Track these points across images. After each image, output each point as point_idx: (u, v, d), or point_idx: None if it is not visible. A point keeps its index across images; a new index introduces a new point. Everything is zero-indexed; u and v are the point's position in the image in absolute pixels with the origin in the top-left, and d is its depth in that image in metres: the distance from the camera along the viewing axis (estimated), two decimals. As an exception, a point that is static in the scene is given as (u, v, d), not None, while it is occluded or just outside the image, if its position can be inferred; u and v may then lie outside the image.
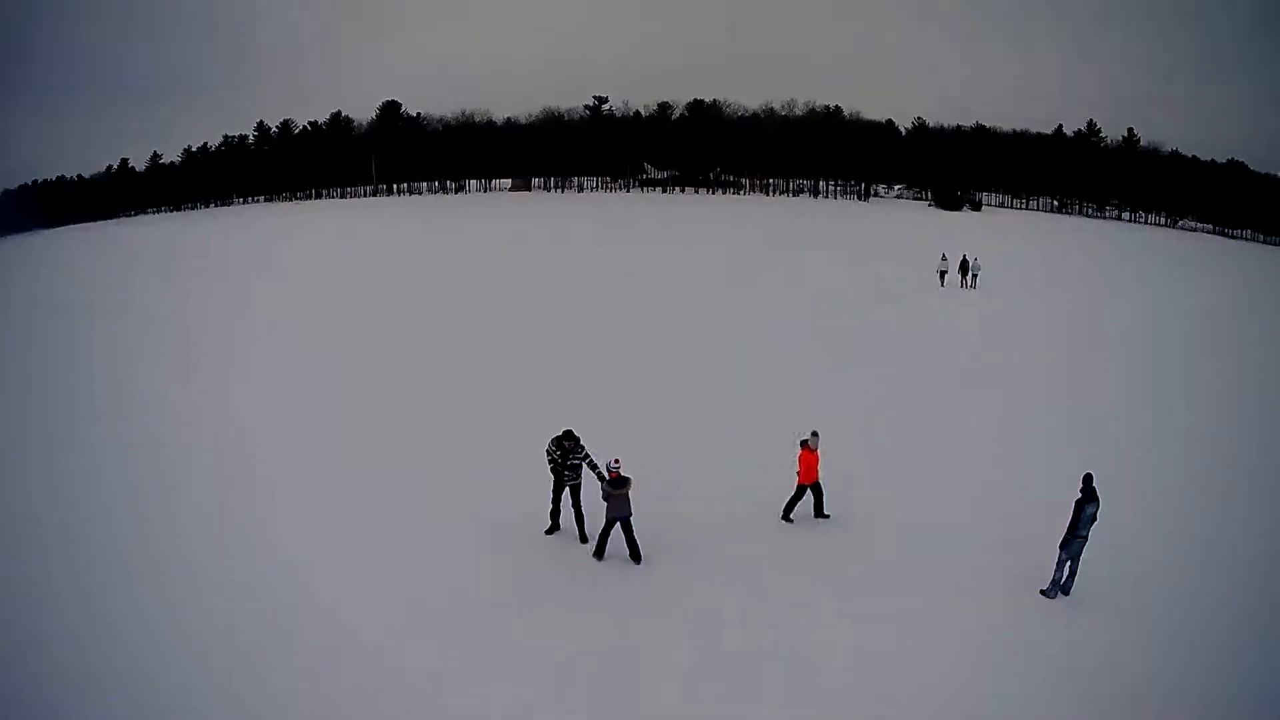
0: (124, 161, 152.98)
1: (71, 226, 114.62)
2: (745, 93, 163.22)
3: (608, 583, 17.10)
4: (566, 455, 18.68)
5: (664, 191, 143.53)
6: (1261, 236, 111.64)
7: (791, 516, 19.64)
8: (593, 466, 18.70)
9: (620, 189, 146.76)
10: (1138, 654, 14.69)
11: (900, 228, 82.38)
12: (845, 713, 12.88)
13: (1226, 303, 49.57)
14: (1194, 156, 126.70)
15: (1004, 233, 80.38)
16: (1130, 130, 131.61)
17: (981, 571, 17.29)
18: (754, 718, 12.88)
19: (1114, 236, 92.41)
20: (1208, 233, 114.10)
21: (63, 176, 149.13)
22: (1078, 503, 16.23)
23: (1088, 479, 16.43)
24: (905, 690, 13.44)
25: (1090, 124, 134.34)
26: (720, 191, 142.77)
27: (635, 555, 18.19)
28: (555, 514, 19.33)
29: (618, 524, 18.03)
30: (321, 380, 29.63)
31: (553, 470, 18.96)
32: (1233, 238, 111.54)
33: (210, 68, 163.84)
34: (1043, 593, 16.70)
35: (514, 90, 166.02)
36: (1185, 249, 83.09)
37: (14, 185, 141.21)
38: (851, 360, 32.88)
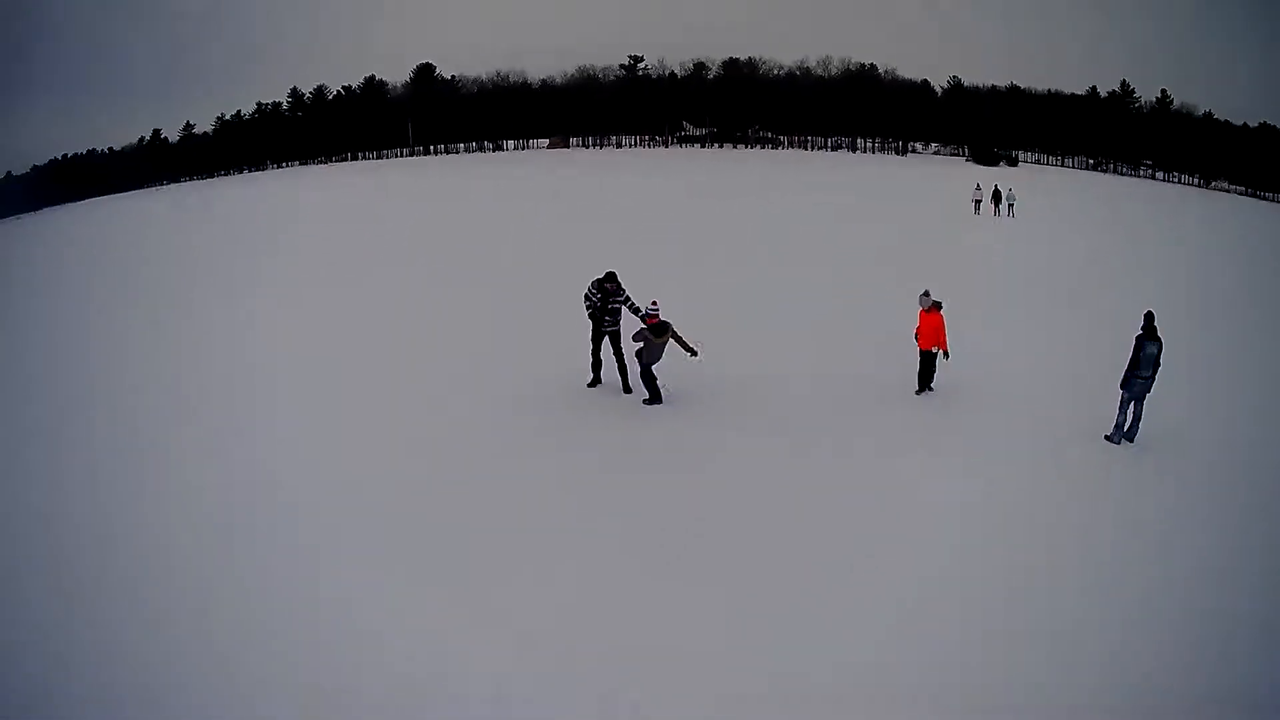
0: (156, 133, 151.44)
1: (100, 199, 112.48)
2: (781, 50, 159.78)
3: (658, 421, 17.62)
4: (607, 298, 18.20)
5: (702, 147, 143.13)
6: None
7: (932, 385, 19.11)
8: (634, 310, 18.40)
9: (659, 145, 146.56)
10: (1198, 502, 14.45)
11: (937, 181, 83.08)
12: (922, 550, 12.74)
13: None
14: (1226, 121, 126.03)
15: (1039, 183, 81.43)
16: (1163, 92, 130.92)
17: (1047, 423, 17.53)
18: (834, 551, 12.76)
19: (1148, 192, 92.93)
20: (1240, 194, 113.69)
21: (93, 150, 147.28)
22: (1138, 339, 16.06)
23: (1149, 316, 16.19)
24: (974, 534, 13.27)
25: (1124, 84, 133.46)
26: (759, 147, 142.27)
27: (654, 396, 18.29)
28: (596, 365, 19.06)
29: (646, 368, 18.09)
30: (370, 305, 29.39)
31: (591, 316, 18.50)
32: (1264, 199, 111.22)
33: (244, 36, 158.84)
34: (1107, 438, 16.59)
35: (549, 51, 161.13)
36: (1218, 207, 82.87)
37: (43, 161, 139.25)
38: (910, 275, 31.24)
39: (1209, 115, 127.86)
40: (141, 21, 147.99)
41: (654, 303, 18.06)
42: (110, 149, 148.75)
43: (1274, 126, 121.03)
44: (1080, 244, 42.19)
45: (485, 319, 26.58)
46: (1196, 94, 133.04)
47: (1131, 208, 68.01)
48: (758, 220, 50.38)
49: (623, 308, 18.49)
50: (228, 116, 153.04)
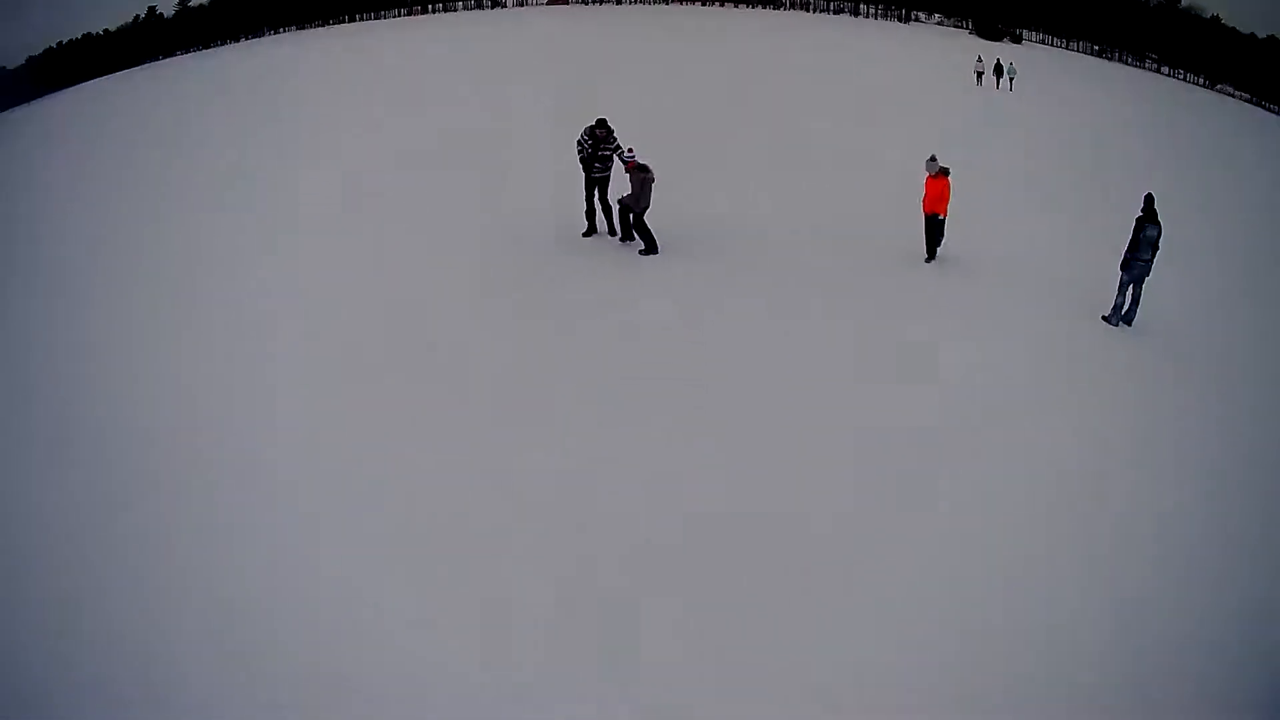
0: (151, 9, 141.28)
1: (95, 80, 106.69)
2: None
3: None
4: (598, 145, 18.51)
5: (704, 5, 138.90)
6: None
7: (935, 255, 19.23)
8: (623, 158, 18.68)
9: (659, 1, 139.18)
10: (1189, 389, 14.56)
11: (939, 51, 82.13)
12: (917, 404, 13.20)
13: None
14: (1234, 28, 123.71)
15: (1041, 61, 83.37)
16: None
17: (1048, 301, 17.69)
18: (829, 401, 13.27)
19: (1151, 85, 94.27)
20: (1245, 100, 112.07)
21: (88, 33, 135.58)
22: (1138, 220, 16.05)
23: (1149, 199, 16.15)
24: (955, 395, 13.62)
25: None
26: (761, 7, 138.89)
27: (648, 244, 18.97)
28: (590, 214, 19.59)
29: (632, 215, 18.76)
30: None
31: (582, 163, 18.91)
32: (1268, 110, 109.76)
33: None
34: (1104, 319, 16.67)
35: None
36: (1223, 110, 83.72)
37: (39, 50, 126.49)
38: (910, 138, 31.18)
39: (1216, 19, 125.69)
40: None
41: (630, 149, 18.59)
42: (105, 30, 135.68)
43: None
44: (1079, 125, 41.79)
45: (480, 174, 26.37)
46: None
47: (1135, 97, 67.75)
48: (758, 76, 49.82)
49: (614, 156, 18.76)
50: None
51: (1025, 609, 9.41)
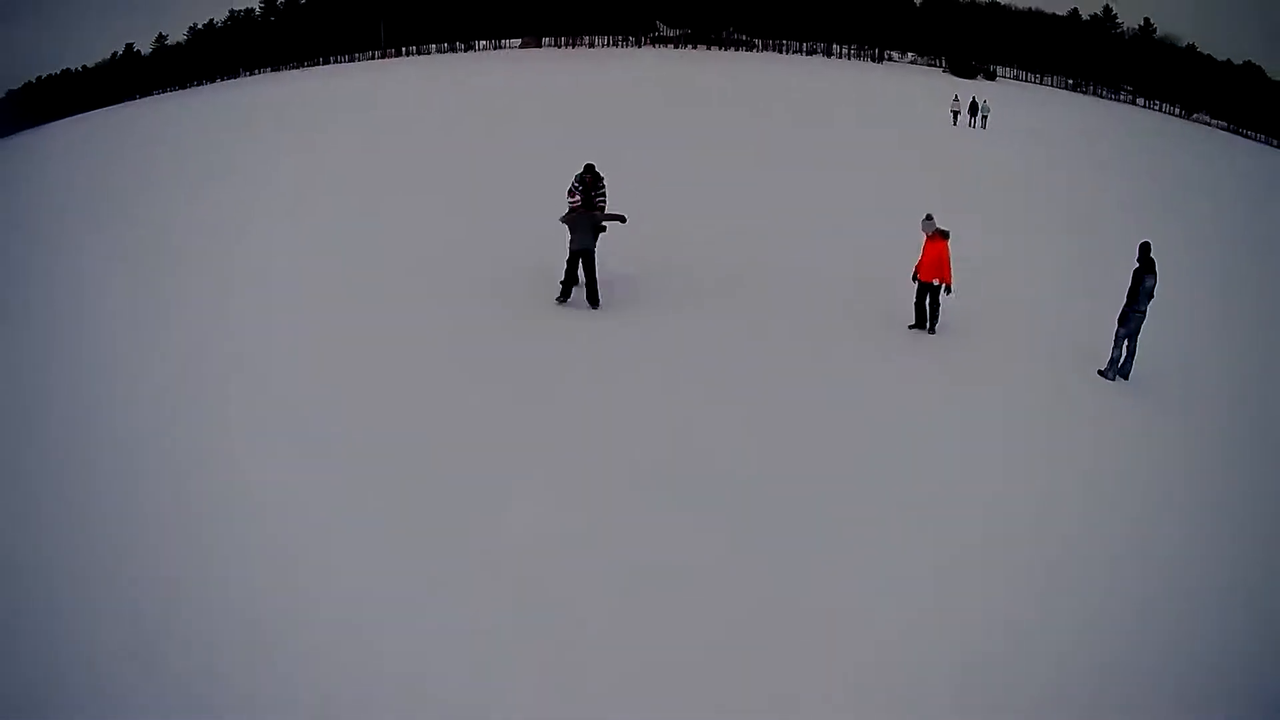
0: (129, 46, 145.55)
1: (75, 117, 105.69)
2: None
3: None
4: (589, 191, 18.11)
5: (675, 48, 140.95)
6: (1275, 141, 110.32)
7: (934, 328, 17.47)
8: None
9: (632, 45, 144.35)
10: (1191, 444, 13.97)
11: (915, 89, 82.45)
12: (885, 476, 12.25)
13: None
14: (1207, 55, 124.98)
15: (1016, 98, 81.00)
16: (1146, 20, 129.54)
17: (1039, 355, 16.99)
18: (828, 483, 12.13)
19: (1128, 117, 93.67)
20: (1222, 129, 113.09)
21: (68, 69, 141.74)
22: (1136, 273, 15.34)
23: (1144, 248, 15.32)
24: (955, 459, 12.87)
25: (1106, 9, 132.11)
26: (733, 49, 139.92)
27: (592, 297, 17.91)
28: (569, 280, 18.07)
29: (580, 259, 17.71)
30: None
31: (570, 213, 17.75)
32: (1246, 136, 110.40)
33: None
34: (1100, 373, 15.99)
35: None
36: (1199, 139, 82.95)
37: (17, 85, 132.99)
38: (888, 184, 31.69)
39: (1192, 48, 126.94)
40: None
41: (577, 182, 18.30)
42: (84, 66, 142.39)
43: (1259, 66, 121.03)
44: (1054, 161, 41.90)
45: (452, 221, 25.42)
46: (1181, 27, 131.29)
47: (1112, 132, 66.91)
48: (734, 122, 48.51)
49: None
50: (200, 25, 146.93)
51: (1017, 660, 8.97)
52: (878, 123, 51.66)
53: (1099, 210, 30.40)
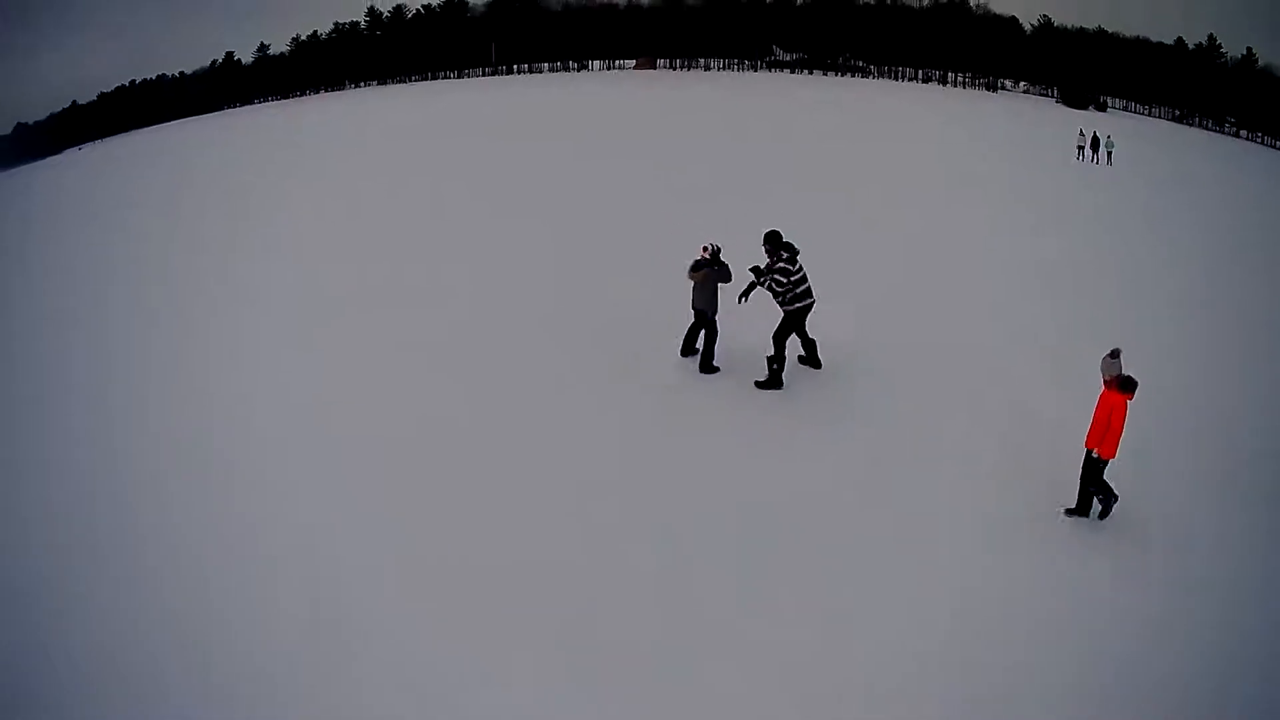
0: (229, 55, 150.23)
1: (172, 123, 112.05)
2: None
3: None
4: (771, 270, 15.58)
5: (791, 73, 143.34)
6: None
7: (1102, 511, 12.37)
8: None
9: (747, 69, 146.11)
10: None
11: (1031, 118, 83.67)
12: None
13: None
14: None
15: (1131, 130, 79.56)
16: (1249, 49, 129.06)
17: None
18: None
19: (1237, 150, 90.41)
20: None
21: (163, 75, 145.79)
22: None
23: None
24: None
25: (1211, 38, 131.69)
26: (848, 75, 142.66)
27: (705, 363, 16.44)
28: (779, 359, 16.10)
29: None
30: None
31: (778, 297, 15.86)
32: None
33: None
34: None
35: None
36: None
37: (110, 88, 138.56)
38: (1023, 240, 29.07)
39: None
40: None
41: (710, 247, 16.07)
42: (181, 73, 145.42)
43: None
44: (1206, 207, 40.11)
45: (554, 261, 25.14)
46: None
47: (1236, 167, 65.86)
48: (854, 154, 49.24)
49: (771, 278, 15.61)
50: (303, 38, 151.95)
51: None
52: (1006, 159, 52.62)
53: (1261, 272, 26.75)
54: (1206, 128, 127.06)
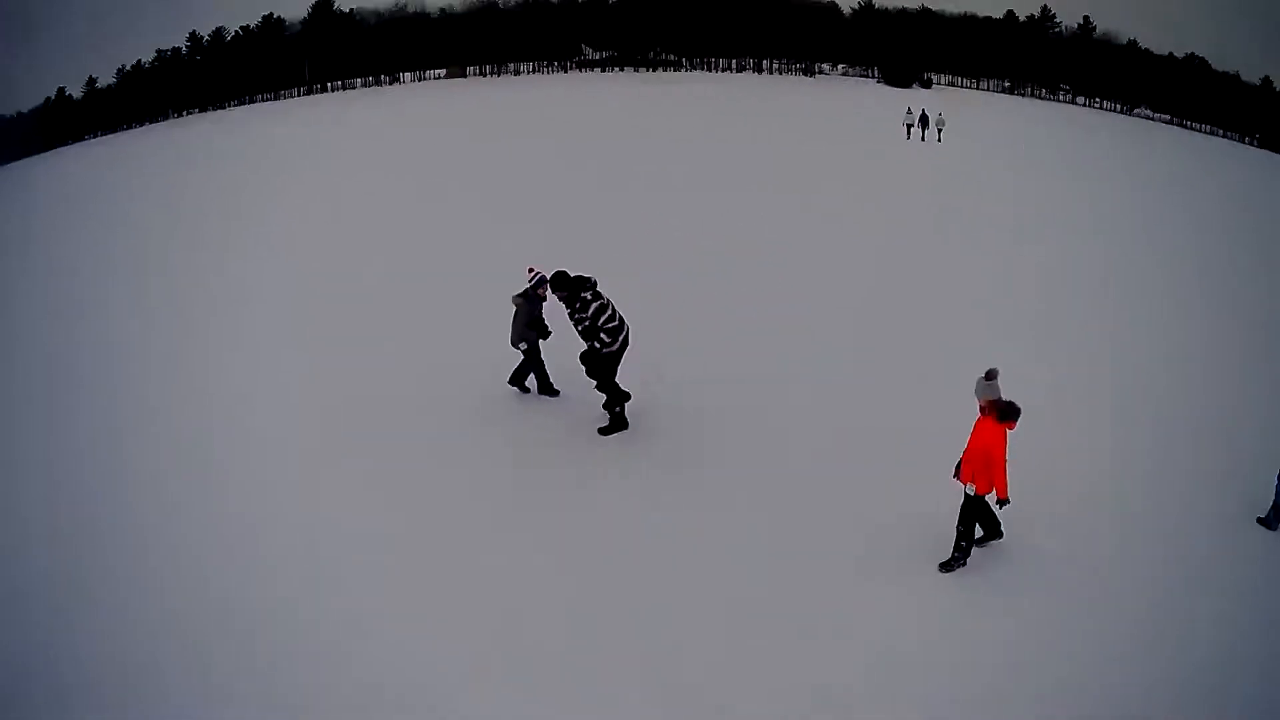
0: (60, 91, 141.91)
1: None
2: None
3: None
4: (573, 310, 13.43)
5: (602, 72, 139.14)
6: (1220, 131, 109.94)
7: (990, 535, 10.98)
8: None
9: (558, 70, 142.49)
10: None
11: (851, 101, 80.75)
12: None
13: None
14: (1146, 50, 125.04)
15: (959, 106, 77.00)
16: (1086, 19, 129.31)
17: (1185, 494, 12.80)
18: None
19: (1073, 117, 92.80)
20: (1165, 123, 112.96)
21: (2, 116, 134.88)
22: None
23: None
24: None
25: (1044, 10, 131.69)
26: (661, 70, 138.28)
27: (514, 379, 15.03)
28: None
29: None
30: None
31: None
32: (1190, 129, 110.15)
33: None
34: (1260, 521, 12.00)
35: None
36: (1147, 136, 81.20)
37: None
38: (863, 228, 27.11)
39: (1133, 43, 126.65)
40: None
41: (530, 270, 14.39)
42: (19, 112, 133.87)
43: (1202, 58, 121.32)
44: (1041, 179, 37.93)
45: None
46: (1119, 22, 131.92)
47: (1068, 134, 64.85)
48: (673, 154, 42.61)
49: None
50: (128, 68, 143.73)
51: None
52: (826, 141, 48.30)
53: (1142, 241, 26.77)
54: (1040, 97, 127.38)
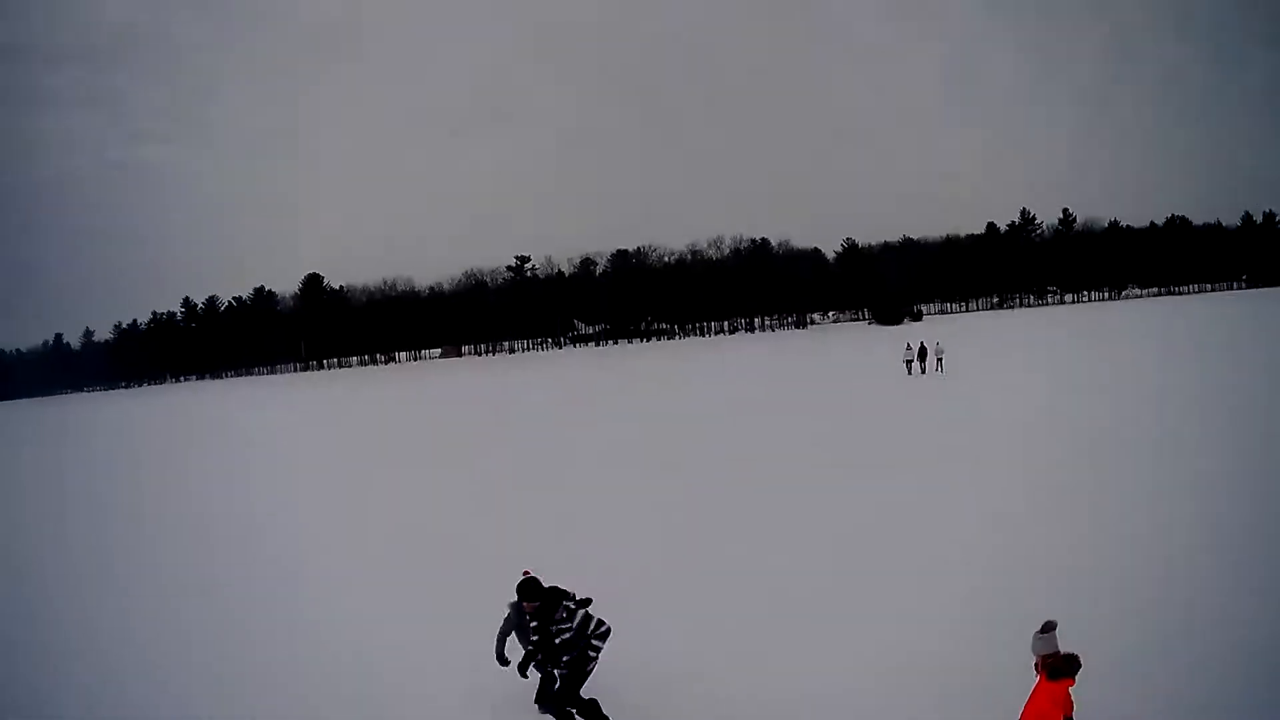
0: (58, 337, 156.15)
1: (18, 401, 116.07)
2: (671, 234, 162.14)
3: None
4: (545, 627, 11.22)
5: (597, 345, 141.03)
6: (1210, 286, 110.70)
7: None
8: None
9: (552, 346, 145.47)
10: None
11: (846, 346, 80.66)
12: None
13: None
14: (1128, 226, 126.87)
15: (954, 331, 79.48)
16: (1065, 211, 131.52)
17: None
18: None
19: (1056, 316, 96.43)
20: (1152, 295, 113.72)
21: (1, 351, 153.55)
22: None
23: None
24: None
25: (1024, 213, 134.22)
26: (654, 339, 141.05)
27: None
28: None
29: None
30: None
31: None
32: (1178, 294, 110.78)
33: (134, 241, 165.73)
34: None
35: (434, 255, 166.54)
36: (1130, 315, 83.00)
37: None
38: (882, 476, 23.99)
39: (1114, 224, 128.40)
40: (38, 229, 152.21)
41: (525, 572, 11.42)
42: (18, 350, 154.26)
43: (1183, 217, 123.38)
44: (1047, 392, 37.47)
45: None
46: (1100, 206, 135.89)
47: (1079, 343, 63.37)
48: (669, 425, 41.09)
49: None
50: (124, 325, 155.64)
51: None
52: (834, 396, 47.02)
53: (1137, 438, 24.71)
54: (1027, 304, 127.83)
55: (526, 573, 11.26)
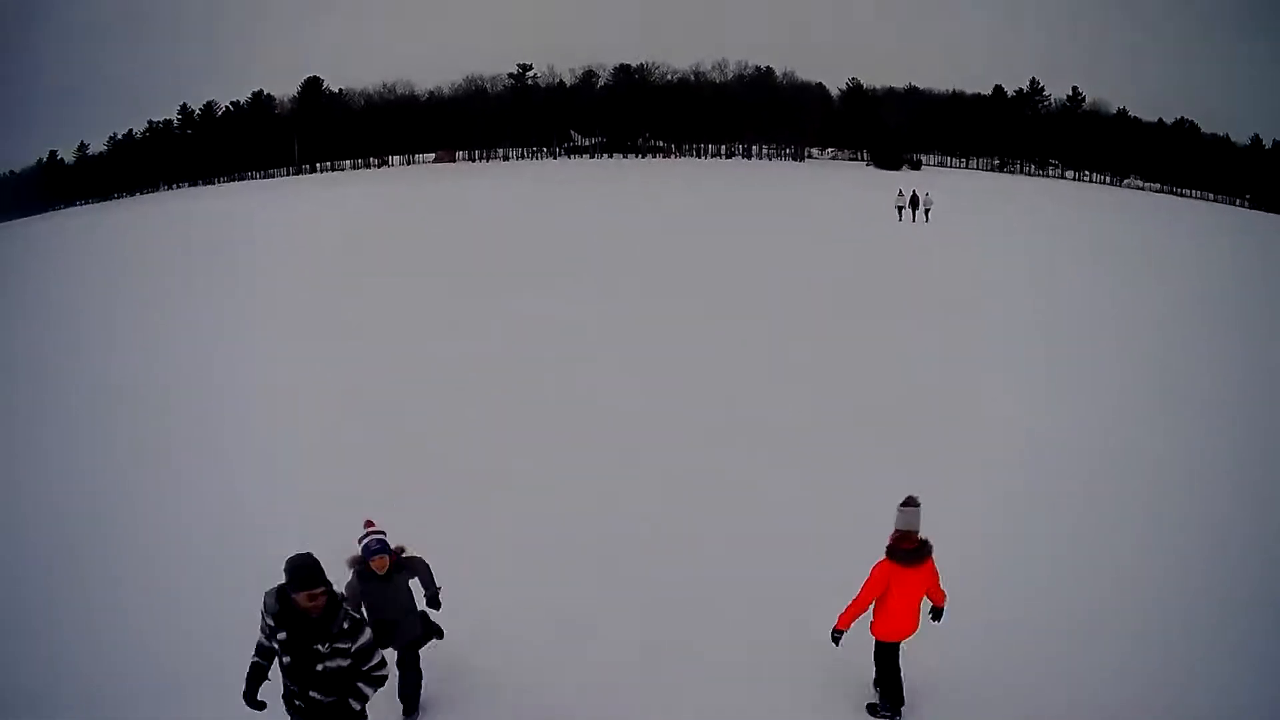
0: (53, 154, 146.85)
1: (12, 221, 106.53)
2: (675, 54, 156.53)
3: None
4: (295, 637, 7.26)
5: (591, 158, 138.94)
6: (1212, 196, 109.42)
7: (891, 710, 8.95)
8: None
9: (546, 157, 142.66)
10: None
11: (843, 184, 79.72)
12: None
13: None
14: (1136, 118, 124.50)
15: (948, 186, 77.21)
16: (1074, 89, 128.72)
17: None
18: None
19: (1055, 189, 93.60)
20: (1155, 191, 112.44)
21: None
22: None
23: None
24: None
25: (1033, 82, 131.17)
26: (650, 156, 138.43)
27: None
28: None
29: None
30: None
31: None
32: (1181, 196, 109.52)
33: (131, 49, 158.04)
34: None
35: (436, 60, 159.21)
36: (1132, 202, 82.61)
37: None
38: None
39: (1122, 112, 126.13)
40: (31, 36, 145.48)
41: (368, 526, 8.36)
42: (12, 171, 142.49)
43: (1192, 122, 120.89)
44: (1030, 255, 38.38)
45: None
46: (1109, 90, 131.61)
47: (1068, 210, 65.46)
48: (660, 246, 41.29)
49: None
50: (120, 136, 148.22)
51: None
52: (825, 229, 47.63)
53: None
54: (1029, 173, 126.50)
55: (369, 524, 8.46)
